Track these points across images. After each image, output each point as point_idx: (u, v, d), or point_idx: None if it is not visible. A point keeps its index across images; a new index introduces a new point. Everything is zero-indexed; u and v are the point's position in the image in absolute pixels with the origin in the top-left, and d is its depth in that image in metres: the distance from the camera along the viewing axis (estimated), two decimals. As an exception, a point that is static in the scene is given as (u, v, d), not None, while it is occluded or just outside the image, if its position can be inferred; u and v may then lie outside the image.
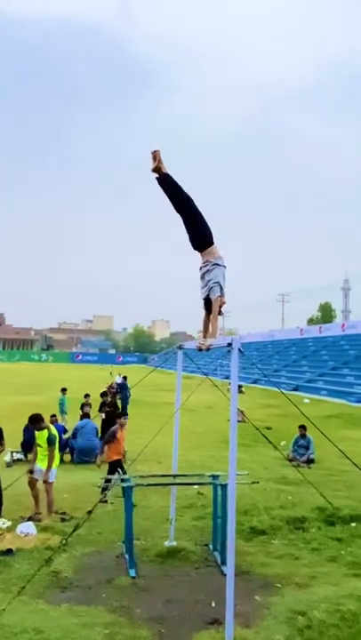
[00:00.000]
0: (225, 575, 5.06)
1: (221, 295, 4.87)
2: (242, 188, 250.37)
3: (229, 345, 4.77)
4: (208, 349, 4.77)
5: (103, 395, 17.19)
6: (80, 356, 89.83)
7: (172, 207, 4.90)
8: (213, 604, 5.21)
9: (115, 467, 8.88)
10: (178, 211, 4.89)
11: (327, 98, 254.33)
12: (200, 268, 5.04)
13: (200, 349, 4.80)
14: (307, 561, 6.36)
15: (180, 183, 4.86)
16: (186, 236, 5.03)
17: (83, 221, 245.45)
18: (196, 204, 4.91)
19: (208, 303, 4.95)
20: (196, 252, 5.03)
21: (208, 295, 4.92)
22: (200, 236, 4.93)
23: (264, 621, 4.87)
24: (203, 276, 4.99)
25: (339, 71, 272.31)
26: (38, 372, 52.25)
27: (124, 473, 7.76)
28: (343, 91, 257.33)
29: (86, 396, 16.70)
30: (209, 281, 4.90)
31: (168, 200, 4.90)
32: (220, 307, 4.91)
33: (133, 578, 5.84)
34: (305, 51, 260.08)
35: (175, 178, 4.86)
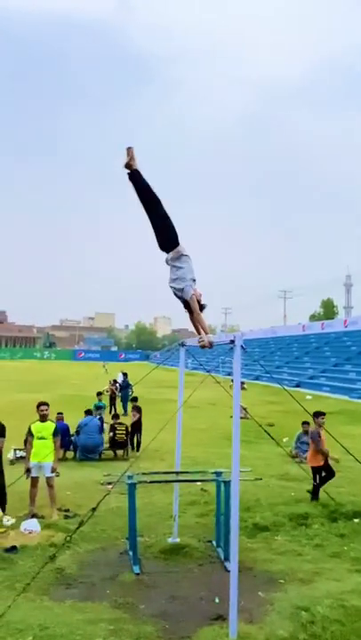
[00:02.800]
0: (228, 571, 5.08)
1: (194, 291, 4.88)
2: (243, 185, 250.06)
3: (232, 342, 4.78)
4: (211, 346, 4.77)
5: (98, 394, 17.80)
6: (82, 354, 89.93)
7: (141, 206, 4.93)
8: (217, 601, 5.23)
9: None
10: (145, 209, 4.94)
11: (327, 94, 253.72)
12: (166, 263, 5.06)
13: (203, 347, 4.81)
14: (310, 557, 6.38)
15: (158, 184, 4.93)
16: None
17: (84, 219, 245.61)
18: (166, 207, 4.94)
19: (186, 304, 4.97)
20: (164, 252, 5.06)
21: (182, 297, 4.93)
22: (166, 237, 4.98)
23: (268, 617, 4.89)
24: (170, 276, 5.00)
25: (338, 68, 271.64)
26: (41, 369, 52.37)
27: None
28: (344, 87, 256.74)
29: (99, 394, 17.80)
30: (175, 279, 4.92)
31: (137, 198, 4.95)
32: (199, 301, 4.92)
33: (137, 574, 5.87)
34: (305, 47, 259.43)
35: (149, 177, 4.93)
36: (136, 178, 4.92)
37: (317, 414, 9.14)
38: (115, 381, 23.24)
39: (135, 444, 13.25)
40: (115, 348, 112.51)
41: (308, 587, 5.56)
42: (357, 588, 5.43)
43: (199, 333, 5.00)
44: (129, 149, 4.92)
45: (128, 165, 4.90)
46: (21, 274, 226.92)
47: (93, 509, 5.52)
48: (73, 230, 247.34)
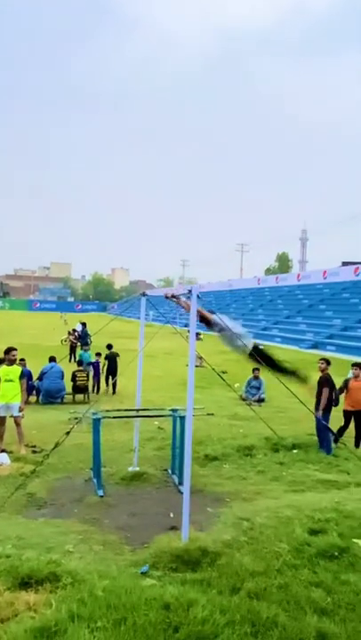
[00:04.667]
0: (182, 493, 5.86)
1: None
2: (201, 132, 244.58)
3: (189, 292, 5.36)
4: (174, 297, 5.32)
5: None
6: (38, 304, 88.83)
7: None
8: (172, 515, 6.05)
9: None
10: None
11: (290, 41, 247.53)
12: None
13: (166, 297, 5.34)
14: (253, 481, 7.32)
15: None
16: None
17: (43, 162, 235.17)
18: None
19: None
20: None
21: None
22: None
23: (215, 526, 5.75)
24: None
25: (302, 14, 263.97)
26: (-4, 319, 51.59)
27: None
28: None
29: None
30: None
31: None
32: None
33: (101, 497, 6.62)
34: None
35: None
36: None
37: (353, 365, 9.67)
38: (74, 331, 23.58)
39: (112, 386, 14.17)
40: (71, 299, 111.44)
41: (249, 503, 6.47)
42: (291, 504, 6.35)
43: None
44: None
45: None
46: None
47: (58, 442, 6.12)
48: (30, 174, 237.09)
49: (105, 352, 14.97)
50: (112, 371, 14.35)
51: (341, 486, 7.17)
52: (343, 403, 9.42)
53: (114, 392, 13.99)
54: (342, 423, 9.35)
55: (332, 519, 5.59)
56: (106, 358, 14.74)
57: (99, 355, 15.17)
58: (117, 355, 14.69)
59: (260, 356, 5.90)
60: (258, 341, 6.02)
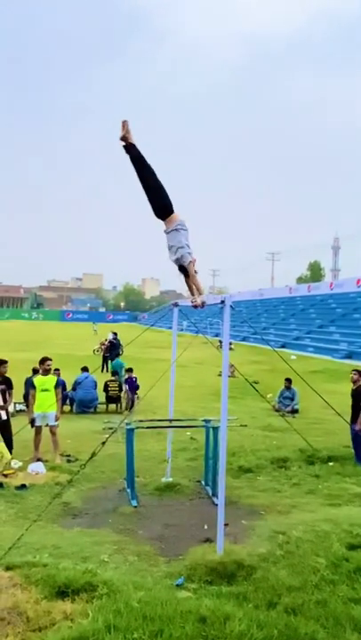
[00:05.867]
0: (216, 505, 5.83)
1: (191, 257, 5.28)
2: (233, 146, 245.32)
3: (222, 302, 5.35)
4: (203, 306, 5.29)
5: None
6: (70, 315, 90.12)
7: (136, 177, 5.30)
8: (206, 527, 6.01)
9: None
10: (140, 180, 5.33)
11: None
12: (164, 232, 5.47)
13: (195, 306, 5.32)
14: (288, 493, 7.20)
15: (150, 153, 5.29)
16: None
17: (71, 178, 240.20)
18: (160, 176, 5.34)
19: (182, 267, 5.40)
20: (160, 220, 5.46)
21: (180, 262, 5.35)
22: (162, 205, 5.36)
23: (249, 539, 5.68)
24: (168, 243, 5.41)
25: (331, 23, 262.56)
26: (30, 329, 52.66)
27: None
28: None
29: None
30: (172, 247, 5.33)
31: (133, 169, 5.32)
32: (193, 265, 5.34)
33: (135, 507, 6.64)
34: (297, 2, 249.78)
35: (143, 149, 5.28)
36: (131, 150, 5.26)
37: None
38: (107, 340, 23.72)
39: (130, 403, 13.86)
40: (103, 309, 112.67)
41: (285, 517, 6.37)
42: (328, 518, 6.22)
43: (193, 294, 5.48)
44: (124, 123, 5.18)
45: (124, 138, 5.20)
46: (8, 233, 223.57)
47: (94, 453, 6.20)
48: (61, 189, 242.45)
49: (135, 364, 14.93)
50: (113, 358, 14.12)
51: (379, 500, 6.98)
52: None
53: (130, 409, 13.17)
54: None
55: (370, 534, 5.45)
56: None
57: (130, 370, 14.50)
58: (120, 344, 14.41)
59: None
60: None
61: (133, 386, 13.87)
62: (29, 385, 11.76)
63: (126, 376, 14.32)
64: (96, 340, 29.52)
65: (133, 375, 14.12)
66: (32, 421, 8.59)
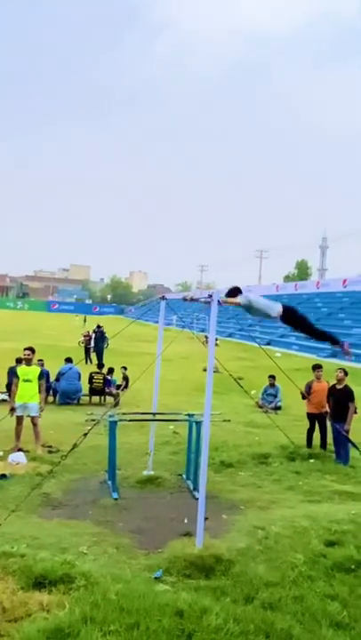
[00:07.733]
0: (197, 499, 5.82)
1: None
2: (222, 136, 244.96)
3: (210, 297, 5.34)
4: (192, 300, 5.29)
5: None
6: (56, 305, 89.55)
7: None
8: (186, 521, 6.00)
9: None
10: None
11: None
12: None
13: (185, 299, 5.32)
14: (268, 489, 7.24)
15: None
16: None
17: (64, 164, 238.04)
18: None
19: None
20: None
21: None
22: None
23: (229, 534, 5.69)
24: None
25: (328, 20, 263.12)
26: (15, 319, 52.16)
27: None
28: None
29: None
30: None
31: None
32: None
33: (116, 499, 6.61)
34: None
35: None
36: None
37: (314, 367, 9.93)
38: (93, 331, 23.50)
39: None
40: (89, 301, 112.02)
41: (265, 512, 6.40)
42: (307, 514, 6.26)
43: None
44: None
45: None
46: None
47: (76, 444, 6.15)
48: (49, 178, 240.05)
49: (120, 357, 14.94)
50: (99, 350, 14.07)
51: (358, 498, 7.04)
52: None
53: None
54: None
55: (348, 531, 5.50)
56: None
57: (125, 369, 14.53)
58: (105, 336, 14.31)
59: (292, 317, 5.83)
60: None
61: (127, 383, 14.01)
62: (12, 374, 11.69)
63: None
64: (84, 330, 29.33)
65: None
66: (12, 410, 8.50)
